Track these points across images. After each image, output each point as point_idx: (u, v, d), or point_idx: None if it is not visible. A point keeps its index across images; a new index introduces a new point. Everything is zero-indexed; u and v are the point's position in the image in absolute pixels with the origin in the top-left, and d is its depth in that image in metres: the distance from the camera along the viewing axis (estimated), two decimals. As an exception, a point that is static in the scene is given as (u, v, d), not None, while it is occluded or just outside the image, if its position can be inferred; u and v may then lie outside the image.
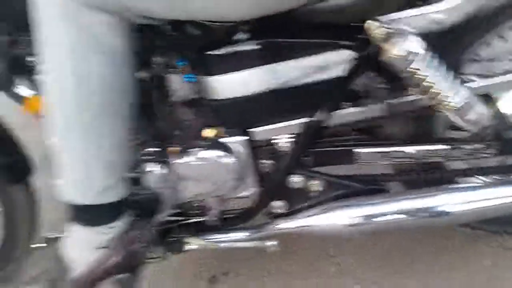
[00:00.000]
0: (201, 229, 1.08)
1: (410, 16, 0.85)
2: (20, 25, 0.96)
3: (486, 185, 1.05)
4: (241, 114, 0.97)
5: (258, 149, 1.01)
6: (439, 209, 0.96)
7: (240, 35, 0.93)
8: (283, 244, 1.09)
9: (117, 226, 0.91)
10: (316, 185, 1.02)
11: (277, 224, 1.04)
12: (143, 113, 0.97)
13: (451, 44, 0.92)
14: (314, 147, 0.99)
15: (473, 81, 0.93)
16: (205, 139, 1.00)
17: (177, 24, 0.91)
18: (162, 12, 0.80)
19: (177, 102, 1.01)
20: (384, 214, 1.00)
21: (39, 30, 0.79)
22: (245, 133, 0.99)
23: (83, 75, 0.79)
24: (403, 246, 1.29)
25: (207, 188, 1.02)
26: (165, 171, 0.99)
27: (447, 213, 0.96)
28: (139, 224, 0.95)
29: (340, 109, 0.94)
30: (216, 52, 0.92)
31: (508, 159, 1.03)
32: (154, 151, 1.00)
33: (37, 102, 1.04)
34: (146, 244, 0.96)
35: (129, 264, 0.95)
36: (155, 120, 1.00)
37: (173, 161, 0.99)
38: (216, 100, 0.95)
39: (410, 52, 0.82)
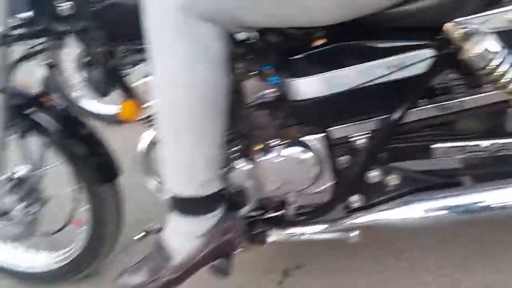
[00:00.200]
0: (280, 223, 1.15)
1: (487, 17, 0.90)
2: (115, 36, 1.07)
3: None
4: (321, 113, 1.03)
5: (336, 146, 1.07)
6: (512, 202, 1.00)
7: (318, 40, 1.00)
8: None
9: (214, 217, 0.99)
10: (392, 179, 1.07)
11: (355, 218, 1.09)
12: (229, 113, 1.05)
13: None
14: (391, 142, 1.04)
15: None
16: (286, 137, 1.08)
17: (260, 32, 1.00)
18: (260, 21, 0.88)
19: (260, 103, 1.09)
20: (458, 207, 1.04)
21: (151, 40, 0.88)
22: (323, 131, 1.05)
23: (193, 81, 0.88)
24: (476, 239, 1.31)
25: (288, 183, 1.09)
26: (249, 167, 1.06)
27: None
28: (231, 216, 1.03)
29: (417, 106, 0.99)
30: (299, 56, 0.99)
31: None
32: (240, 149, 1.07)
33: (130, 108, 1.13)
34: (238, 234, 1.04)
35: (224, 252, 1.03)
36: (239, 120, 1.08)
37: (256, 159, 1.06)
38: (297, 100, 1.02)
39: (489, 51, 0.86)
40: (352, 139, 1.05)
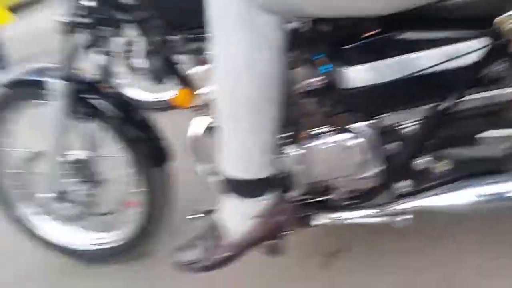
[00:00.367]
0: (328, 207, 1.19)
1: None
2: (173, 25, 1.12)
3: None
4: (371, 101, 1.06)
5: (385, 133, 1.10)
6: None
7: (371, 30, 1.03)
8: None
9: (267, 199, 1.04)
10: (440, 166, 1.09)
11: (402, 203, 1.12)
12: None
13: None
14: (439, 130, 1.06)
15: None
16: (335, 124, 1.11)
17: (312, 21, 1.03)
18: (318, 11, 0.92)
19: (309, 91, 1.13)
20: (504, 194, 1.06)
21: (212, 29, 0.93)
22: (373, 118, 1.08)
23: (254, 69, 0.92)
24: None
25: (336, 169, 1.12)
26: (299, 153, 1.10)
27: None
28: (283, 199, 1.08)
29: (466, 95, 1.01)
30: (352, 44, 1.02)
31: None
32: (290, 135, 1.11)
33: (184, 95, 1.19)
34: (289, 216, 1.08)
35: (276, 233, 1.08)
36: (289, 107, 1.11)
37: (306, 145, 1.10)
38: (349, 88, 1.05)
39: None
40: (401, 126, 1.08)
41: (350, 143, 1.09)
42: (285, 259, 1.23)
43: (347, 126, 1.10)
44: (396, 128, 1.09)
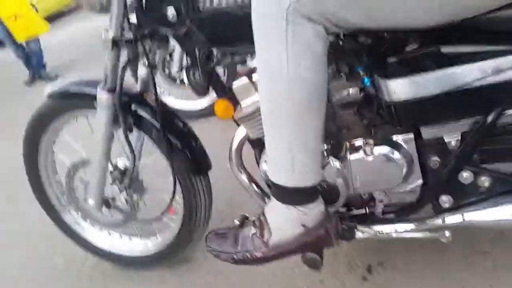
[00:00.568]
0: (368, 220, 1.18)
1: None
2: (215, 40, 1.14)
3: None
4: (413, 114, 1.05)
5: (427, 146, 1.08)
6: None
7: (411, 43, 1.02)
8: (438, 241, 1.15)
9: (312, 208, 1.04)
10: (483, 181, 1.07)
11: (444, 218, 1.11)
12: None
13: None
14: (483, 144, 1.04)
15: None
16: (376, 136, 1.11)
17: (352, 34, 1.03)
18: (361, 22, 0.92)
19: (348, 102, 1.13)
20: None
21: (257, 39, 0.95)
22: (415, 131, 1.07)
23: (296, 77, 0.93)
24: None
25: (377, 182, 1.12)
26: (340, 165, 1.10)
27: None
28: (328, 210, 1.08)
29: (510, 109, 0.99)
30: (393, 57, 1.01)
31: None
32: (331, 146, 1.11)
33: (224, 106, 1.21)
34: (334, 228, 1.09)
35: (319, 245, 1.08)
36: (329, 119, 1.12)
37: (347, 156, 1.10)
38: (390, 101, 1.04)
39: None
40: (444, 140, 1.06)
41: (390, 156, 1.08)
42: (322, 272, 1.24)
43: (388, 139, 1.09)
44: (439, 141, 1.07)
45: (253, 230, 1.11)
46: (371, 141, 1.10)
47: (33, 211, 1.68)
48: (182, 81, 2.31)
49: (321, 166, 1.06)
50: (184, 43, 1.18)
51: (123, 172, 1.42)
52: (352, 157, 1.10)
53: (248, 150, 1.24)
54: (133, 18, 1.21)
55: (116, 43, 1.20)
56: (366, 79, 1.06)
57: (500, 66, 0.95)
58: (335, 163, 1.10)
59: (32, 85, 4.67)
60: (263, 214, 1.11)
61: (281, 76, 0.94)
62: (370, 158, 1.09)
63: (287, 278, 1.39)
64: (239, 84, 1.14)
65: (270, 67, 0.95)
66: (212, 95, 1.29)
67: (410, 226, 1.15)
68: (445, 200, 1.11)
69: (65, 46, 5.37)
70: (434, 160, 1.09)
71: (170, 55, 1.91)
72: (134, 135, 1.36)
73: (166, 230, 1.53)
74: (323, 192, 1.10)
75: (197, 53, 1.15)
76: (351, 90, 1.14)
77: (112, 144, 1.37)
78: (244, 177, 1.25)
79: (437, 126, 1.06)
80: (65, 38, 5.92)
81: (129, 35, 1.20)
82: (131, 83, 1.38)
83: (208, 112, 2.37)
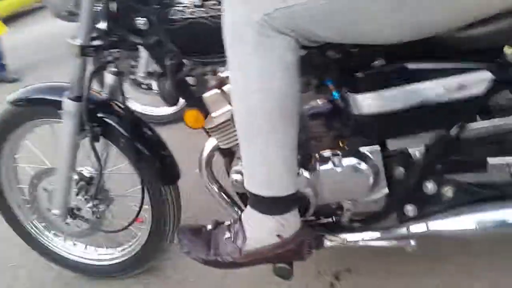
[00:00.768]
0: (335, 229, 1.21)
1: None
2: (185, 50, 1.14)
3: None
4: (379, 126, 1.08)
5: (392, 157, 1.12)
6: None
7: (379, 58, 1.05)
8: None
9: (289, 218, 1.06)
10: (446, 191, 1.11)
11: (409, 226, 1.14)
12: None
13: None
14: (446, 156, 1.09)
15: None
16: (343, 148, 1.13)
17: (322, 47, 1.06)
18: (331, 36, 0.95)
19: (316, 113, 1.15)
20: (508, 219, 1.08)
21: (229, 50, 0.96)
22: (380, 143, 1.10)
23: (268, 88, 0.94)
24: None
25: (344, 192, 1.15)
26: (309, 175, 1.12)
27: None
28: (303, 222, 1.10)
29: (474, 122, 1.04)
30: (361, 72, 1.04)
31: None
32: (302, 157, 1.13)
33: (192, 115, 1.20)
34: (309, 242, 1.10)
35: (292, 257, 1.10)
36: (301, 129, 1.13)
37: (317, 167, 1.12)
38: (357, 114, 1.07)
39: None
40: (408, 151, 1.10)
41: (358, 167, 1.11)
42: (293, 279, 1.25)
43: (355, 150, 1.12)
44: (403, 153, 1.11)
45: (227, 234, 1.12)
46: (339, 153, 1.12)
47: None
48: (147, 87, 2.30)
49: (296, 175, 1.07)
50: (154, 52, 1.17)
51: (89, 182, 1.39)
52: (322, 168, 1.12)
53: (218, 158, 1.24)
54: (102, 26, 1.19)
55: (84, 51, 1.17)
56: (335, 93, 1.09)
57: (463, 83, 0.99)
58: (305, 174, 1.12)
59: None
60: (240, 220, 1.12)
61: (254, 87, 0.95)
62: (338, 169, 1.12)
63: (255, 285, 1.40)
64: (210, 94, 1.15)
65: (242, 79, 0.96)
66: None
67: (376, 234, 1.18)
68: (410, 209, 1.14)
69: (28, 47, 5.19)
70: (399, 171, 1.13)
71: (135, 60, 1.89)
72: (100, 143, 1.33)
73: (133, 239, 1.51)
74: (299, 201, 1.11)
75: (167, 62, 1.14)
76: (319, 101, 1.17)
77: (79, 153, 1.34)
78: (215, 187, 1.25)
79: (402, 138, 1.09)
80: (29, 38, 5.72)
81: (97, 43, 1.19)
82: (99, 91, 1.36)
83: (175, 118, 2.36)
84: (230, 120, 1.12)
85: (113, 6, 1.15)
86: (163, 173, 1.36)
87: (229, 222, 1.16)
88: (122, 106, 1.34)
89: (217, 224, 1.18)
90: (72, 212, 1.41)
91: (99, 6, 1.16)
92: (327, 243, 1.19)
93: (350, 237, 1.19)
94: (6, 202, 1.54)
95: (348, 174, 1.12)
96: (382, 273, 1.37)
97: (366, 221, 1.20)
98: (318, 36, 0.95)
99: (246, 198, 1.13)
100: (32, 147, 1.51)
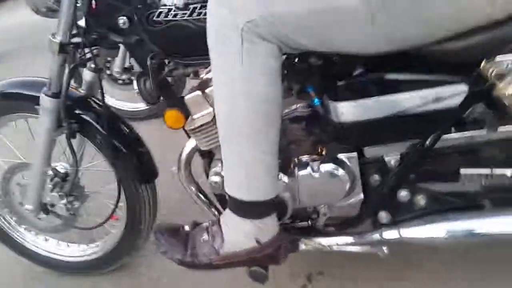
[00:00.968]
0: (310, 232, 1.23)
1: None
2: (167, 51, 1.14)
3: None
4: (357, 134, 1.10)
5: (368, 164, 1.14)
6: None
7: (360, 68, 1.07)
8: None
9: (267, 223, 1.07)
10: (419, 199, 1.14)
11: (382, 233, 1.17)
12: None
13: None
14: (421, 165, 1.11)
15: None
16: (321, 153, 1.15)
17: (304, 54, 1.07)
18: (312, 45, 0.96)
19: (298, 119, 1.17)
20: (479, 229, 1.12)
21: (213, 55, 0.97)
22: (358, 150, 1.13)
23: (251, 92, 0.95)
24: (494, 258, 1.37)
25: (321, 197, 1.17)
26: (289, 180, 1.14)
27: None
28: (281, 226, 1.11)
29: (448, 133, 1.07)
30: (341, 80, 1.06)
31: None
32: (281, 161, 1.14)
33: (172, 116, 1.20)
34: (286, 247, 1.12)
35: (268, 261, 1.11)
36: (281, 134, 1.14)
37: (296, 172, 1.14)
38: (336, 121, 1.09)
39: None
40: (384, 159, 1.12)
41: (335, 172, 1.13)
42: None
43: (332, 156, 1.14)
44: (379, 161, 1.13)
45: (205, 236, 1.12)
46: (318, 158, 1.14)
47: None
48: (123, 82, 2.27)
49: (277, 180, 1.08)
50: (134, 51, 1.17)
51: (64, 178, 1.38)
52: (300, 172, 1.13)
53: (197, 159, 1.24)
54: (81, 23, 1.18)
55: (63, 48, 1.16)
56: (315, 100, 1.10)
57: (439, 95, 1.02)
58: (283, 178, 1.13)
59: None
60: (218, 223, 1.12)
61: (237, 91, 0.96)
62: (316, 174, 1.13)
63: (229, 286, 1.41)
64: (192, 96, 1.14)
65: (226, 82, 0.97)
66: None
67: (350, 239, 1.20)
68: (383, 216, 1.17)
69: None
70: (375, 178, 1.15)
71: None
72: (76, 140, 1.32)
73: (107, 236, 1.50)
74: (278, 205, 1.12)
75: (148, 62, 1.14)
76: (299, 106, 1.19)
77: (54, 148, 1.32)
78: (193, 189, 1.26)
79: (379, 145, 1.12)
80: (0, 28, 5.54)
81: (77, 40, 1.17)
82: (76, 87, 1.34)
83: (151, 113, 2.34)
84: (211, 122, 1.12)
85: (93, 3, 1.14)
86: (141, 171, 1.35)
87: (207, 224, 1.16)
88: (100, 103, 1.32)
89: (195, 225, 1.18)
90: (45, 208, 1.39)
91: (78, 3, 1.14)
92: (302, 246, 1.21)
93: (325, 241, 1.21)
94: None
95: (326, 179, 1.13)
96: (353, 276, 1.40)
97: (341, 226, 1.23)
98: (299, 44, 0.96)
99: (224, 199, 1.14)
100: (6, 141, 1.47)
